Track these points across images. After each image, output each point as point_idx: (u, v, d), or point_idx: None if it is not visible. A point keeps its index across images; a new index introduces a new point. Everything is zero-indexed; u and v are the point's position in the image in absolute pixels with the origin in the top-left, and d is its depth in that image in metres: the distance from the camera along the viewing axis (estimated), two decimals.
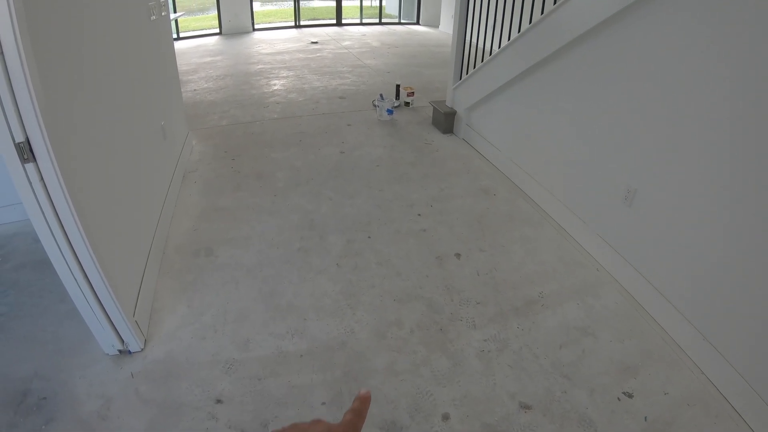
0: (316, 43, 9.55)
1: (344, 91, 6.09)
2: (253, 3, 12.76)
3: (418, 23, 12.92)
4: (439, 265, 2.86)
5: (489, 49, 4.08)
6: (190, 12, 16.86)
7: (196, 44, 10.17)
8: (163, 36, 3.77)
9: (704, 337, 2.17)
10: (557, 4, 2.98)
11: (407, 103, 5.50)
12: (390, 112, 5.00)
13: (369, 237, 3.10)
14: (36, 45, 1.44)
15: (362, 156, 4.21)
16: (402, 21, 13.33)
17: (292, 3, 12.21)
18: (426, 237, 3.12)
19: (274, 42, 9.89)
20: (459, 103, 4.64)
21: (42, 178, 1.53)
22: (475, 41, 4.44)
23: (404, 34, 10.88)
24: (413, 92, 5.48)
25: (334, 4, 13.53)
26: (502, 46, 3.81)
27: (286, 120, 5.09)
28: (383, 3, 14.12)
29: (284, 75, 7.00)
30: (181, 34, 10.99)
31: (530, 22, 3.38)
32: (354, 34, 10.79)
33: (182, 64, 8.01)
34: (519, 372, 2.15)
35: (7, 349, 2.22)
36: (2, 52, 1.31)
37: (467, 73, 4.44)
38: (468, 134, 4.57)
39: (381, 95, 5.13)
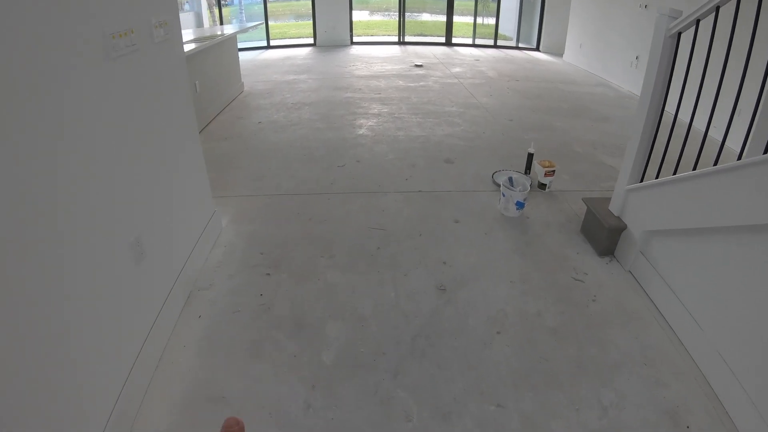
0: (420, 66, 7.92)
1: (452, 148, 4.37)
2: (361, 12, 11.46)
3: (537, 49, 10.92)
4: None
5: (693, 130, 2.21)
6: (298, 17, 15.90)
7: (285, 55, 8.91)
8: (163, 75, 2.25)
9: None
10: None
11: (543, 185, 3.68)
12: (520, 205, 3.22)
13: None
14: None
15: (473, 303, 2.47)
16: (519, 45, 11.39)
17: (398, 16, 10.68)
18: None
19: (371, 61, 8.38)
20: (635, 215, 2.77)
21: None
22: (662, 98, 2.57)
23: (524, 63, 8.98)
24: (553, 171, 3.65)
25: (444, 18, 11.90)
26: (748, 144, 1.94)
27: (364, 197, 3.46)
28: (499, 22, 12.24)
29: (375, 111, 5.40)
30: (272, 42, 9.81)
31: None
32: (465, 58, 9.05)
33: (259, 81, 6.69)
34: None
35: None
36: None
37: (654, 172, 2.58)
38: (641, 270, 2.70)
39: (510, 179, 3.35)
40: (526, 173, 3.91)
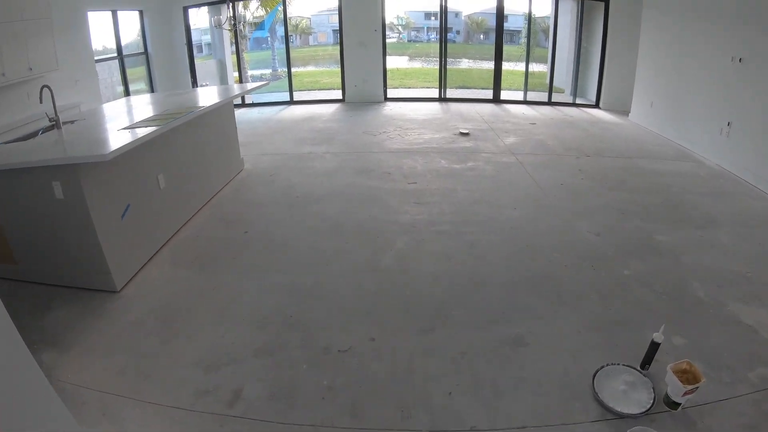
0: (466, 134, 6.43)
1: (523, 305, 2.80)
2: (399, 59, 10.21)
3: (597, 105, 9.27)
4: None
5: None
6: (338, 61, 14.78)
7: (308, 114, 7.62)
8: None
9: None
10: None
11: (674, 404, 2.05)
12: None
13: None
14: None
15: None
16: (576, 101, 9.77)
17: (438, 65, 9.26)
18: None
19: (407, 125, 6.96)
20: None
21: None
22: None
23: (587, 126, 7.38)
24: (694, 389, 2.02)
25: (488, 66, 10.55)
26: None
27: None
28: (546, 72, 10.69)
29: (408, 218, 3.89)
30: (297, 95, 8.56)
31: None
32: (518, 121, 7.52)
33: (267, 153, 5.39)
34: None
35: None
36: None
37: None
38: None
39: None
40: (644, 368, 2.29)
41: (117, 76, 7.91)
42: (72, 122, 4.00)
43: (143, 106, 4.35)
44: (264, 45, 16.28)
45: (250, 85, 5.11)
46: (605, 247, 3.46)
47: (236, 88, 5.08)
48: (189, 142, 3.94)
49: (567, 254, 3.35)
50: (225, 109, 4.64)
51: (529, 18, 10.15)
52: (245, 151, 5.67)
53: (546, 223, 3.81)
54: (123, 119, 3.75)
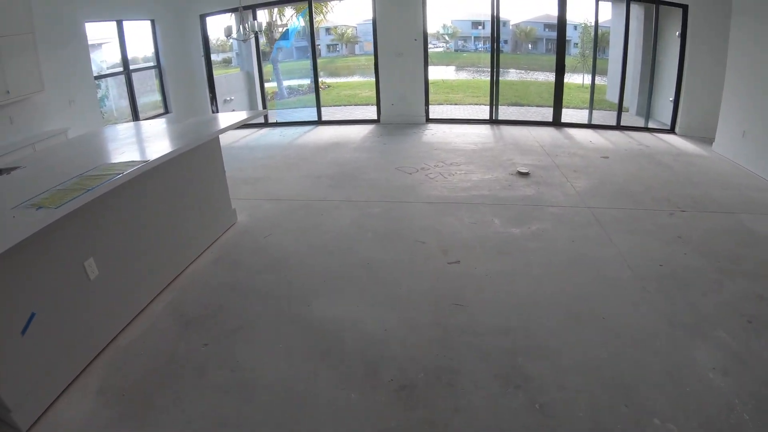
0: (526, 174, 5.00)
1: None
2: (447, 69, 8.94)
3: (672, 130, 7.52)
4: None
5: None
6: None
7: (334, 139, 6.42)
8: None
9: None
10: None
11: None
12: None
13: None
14: None
15: None
16: (648, 125, 8.05)
17: (489, 78, 7.81)
18: None
19: (452, 158, 5.59)
20: None
21: None
22: None
23: (668, 160, 5.75)
24: None
25: (543, 77, 9.05)
26: None
27: None
28: (610, 89, 8.99)
29: (440, 339, 2.51)
30: (326, 113, 7.34)
31: None
32: (587, 153, 5.99)
33: (272, 197, 4.17)
34: None
35: None
36: None
37: None
38: None
39: None
40: None
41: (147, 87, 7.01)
42: (10, 171, 2.91)
43: (132, 137, 3.31)
44: (307, 54, 15.42)
45: (237, 117, 3.77)
46: (740, 404, 2.01)
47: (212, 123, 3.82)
48: (139, 206, 2.75)
49: (687, 422, 1.93)
50: (208, 148, 3.44)
51: (596, 27, 8.52)
52: (250, 190, 4.48)
53: (651, 354, 2.35)
54: (83, 161, 2.66)
